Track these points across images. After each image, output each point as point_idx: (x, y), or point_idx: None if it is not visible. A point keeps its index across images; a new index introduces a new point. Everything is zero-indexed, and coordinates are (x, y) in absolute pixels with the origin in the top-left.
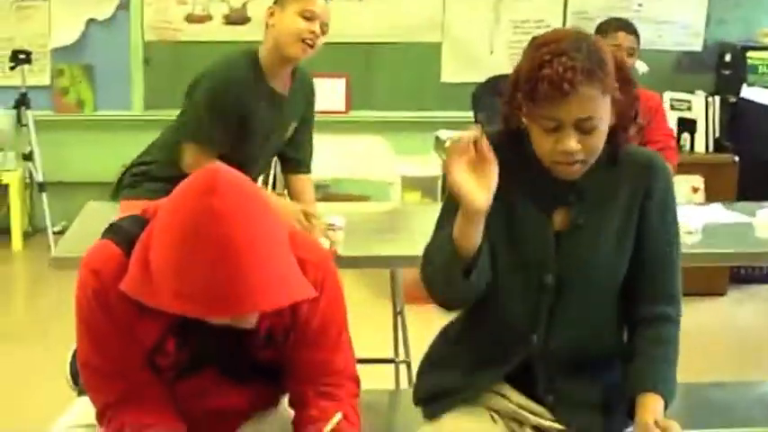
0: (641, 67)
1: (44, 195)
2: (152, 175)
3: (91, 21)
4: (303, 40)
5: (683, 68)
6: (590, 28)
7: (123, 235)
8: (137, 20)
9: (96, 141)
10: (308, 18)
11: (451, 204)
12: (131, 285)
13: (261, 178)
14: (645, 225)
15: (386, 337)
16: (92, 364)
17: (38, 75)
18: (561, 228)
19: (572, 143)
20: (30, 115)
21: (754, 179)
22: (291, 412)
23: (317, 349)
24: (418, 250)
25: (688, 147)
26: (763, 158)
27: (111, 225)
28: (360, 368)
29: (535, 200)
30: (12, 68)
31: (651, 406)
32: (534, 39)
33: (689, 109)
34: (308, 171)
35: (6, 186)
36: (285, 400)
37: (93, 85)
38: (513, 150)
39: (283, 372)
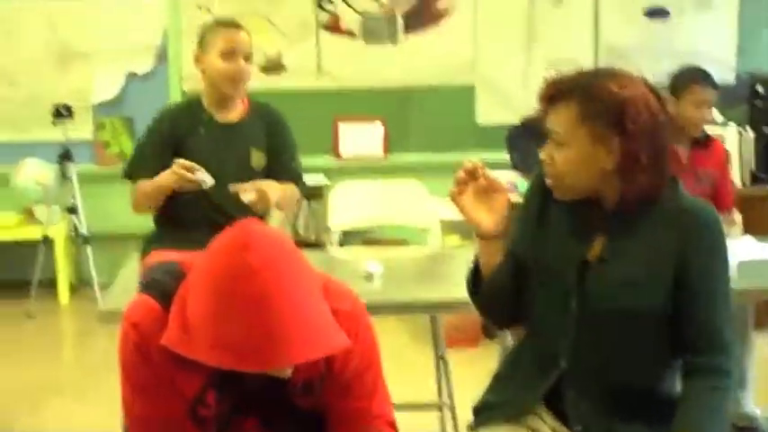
0: (718, 117)
1: (89, 248)
2: (157, 230)
3: (131, 75)
4: (231, 79)
5: (716, 101)
6: (621, 64)
7: (161, 289)
8: (175, 72)
9: None
10: (229, 56)
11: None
12: (171, 339)
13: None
14: (687, 275)
15: (429, 382)
16: (137, 415)
17: (80, 129)
18: (592, 256)
19: (545, 151)
20: (73, 169)
21: None
22: None
23: (353, 396)
24: (457, 294)
25: None
26: None
27: (147, 281)
28: (404, 414)
29: (572, 228)
30: (54, 123)
31: None
32: None
33: (722, 142)
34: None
35: (52, 240)
36: None
37: (134, 138)
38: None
39: (323, 421)
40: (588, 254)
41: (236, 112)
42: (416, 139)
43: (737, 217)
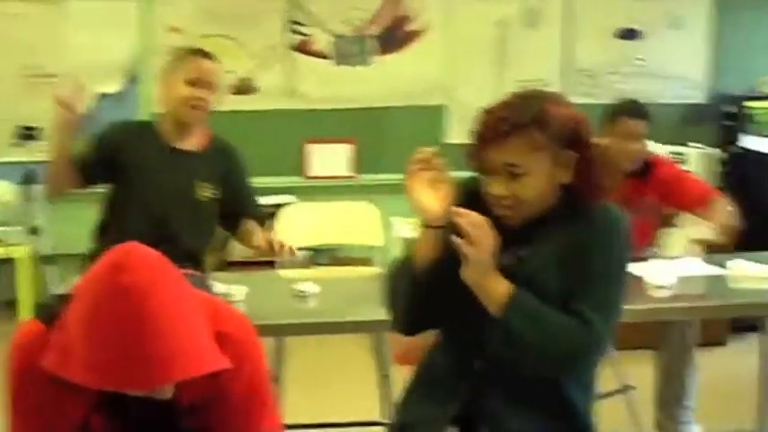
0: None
1: (53, 268)
2: (96, 247)
3: (100, 95)
4: (192, 107)
5: (687, 121)
6: (593, 85)
7: (48, 312)
8: (145, 93)
9: None
10: (193, 84)
11: None
12: (50, 361)
13: None
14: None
15: (375, 400)
16: None
17: (46, 150)
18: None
19: (495, 187)
20: (37, 190)
21: (754, 229)
22: None
23: (241, 420)
24: None
25: None
26: (761, 208)
27: (37, 304)
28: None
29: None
30: (18, 144)
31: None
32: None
33: (684, 162)
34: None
35: (14, 261)
36: None
37: None
38: (477, 197)
39: None
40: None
41: (191, 142)
42: (387, 159)
43: (724, 205)
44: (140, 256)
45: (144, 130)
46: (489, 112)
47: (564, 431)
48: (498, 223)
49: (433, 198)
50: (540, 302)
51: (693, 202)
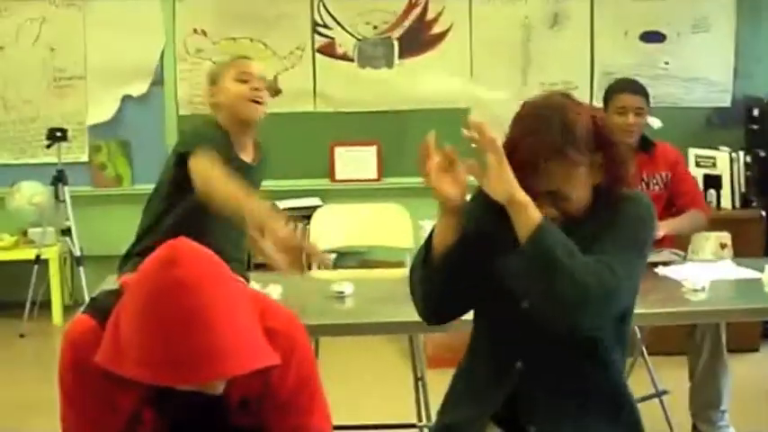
0: (654, 122)
1: (82, 269)
2: (135, 251)
3: (126, 97)
4: (251, 100)
5: (713, 125)
6: None
7: (100, 308)
8: (170, 95)
9: (134, 215)
10: (245, 80)
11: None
12: (103, 356)
13: None
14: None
15: (410, 402)
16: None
17: (75, 151)
18: None
19: (544, 211)
20: (67, 191)
21: None
22: None
23: (290, 414)
24: None
25: (714, 203)
26: None
27: (91, 299)
28: None
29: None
30: (48, 146)
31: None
32: (523, 105)
33: (714, 165)
34: None
35: (46, 261)
36: None
37: (129, 160)
38: None
39: None
40: None
41: (250, 151)
42: (411, 162)
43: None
44: (191, 251)
45: (225, 145)
46: (515, 140)
47: (612, 423)
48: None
49: (449, 182)
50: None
51: (684, 198)
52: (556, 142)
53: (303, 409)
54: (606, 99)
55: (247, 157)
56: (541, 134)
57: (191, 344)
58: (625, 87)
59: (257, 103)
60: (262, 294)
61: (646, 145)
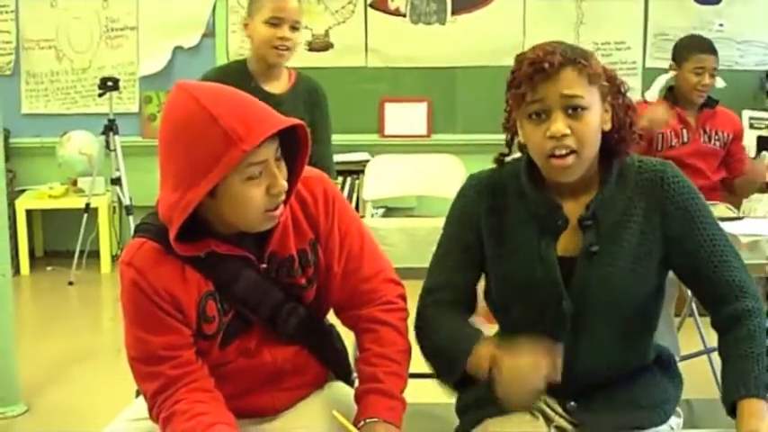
0: (720, 82)
1: (131, 219)
2: None
3: (177, 48)
4: (276, 47)
5: (767, 87)
6: (670, 48)
7: (144, 227)
8: (221, 47)
9: None
10: (276, 24)
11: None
12: (164, 211)
13: None
14: (672, 239)
15: None
16: (140, 353)
17: (126, 102)
18: (570, 253)
19: (560, 125)
20: (117, 141)
21: None
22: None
23: (344, 261)
24: None
25: None
26: None
27: (136, 226)
28: (421, 382)
29: (540, 227)
30: (100, 95)
31: (750, 410)
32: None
33: (764, 128)
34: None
35: (95, 210)
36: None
37: None
38: (515, 179)
39: (323, 315)
40: (564, 250)
41: (280, 84)
42: (461, 120)
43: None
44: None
45: (238, 76)
46: (532, 50)
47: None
48: (554, 204)
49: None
50: (743, 353)
51: (736, 166)
52: (567, 52)
53: (354, 255)
54: (680, 56)
55: (276, 88)
56: (556, 45)
57: (244, 104)
58: (704, 48)
59: (282, 50)
60: None
61: (710, 101)
